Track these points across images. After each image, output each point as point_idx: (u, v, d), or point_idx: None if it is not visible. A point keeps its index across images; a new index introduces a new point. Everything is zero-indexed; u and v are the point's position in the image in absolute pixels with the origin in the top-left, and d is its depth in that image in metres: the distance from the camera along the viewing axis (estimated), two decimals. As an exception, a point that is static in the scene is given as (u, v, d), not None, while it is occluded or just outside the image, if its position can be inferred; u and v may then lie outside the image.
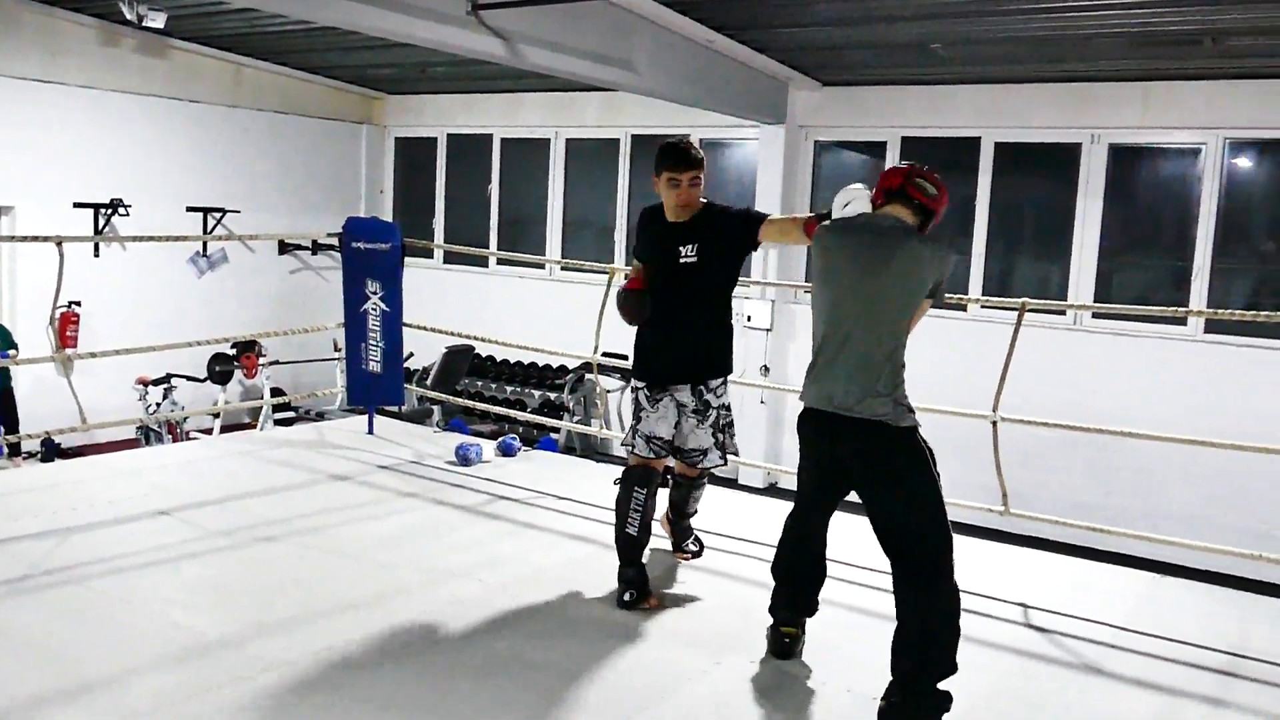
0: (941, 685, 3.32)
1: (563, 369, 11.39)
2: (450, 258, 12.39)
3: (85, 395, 5.97)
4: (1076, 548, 6.19)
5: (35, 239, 6.13)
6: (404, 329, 6.89)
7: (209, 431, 9.96)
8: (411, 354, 8.54)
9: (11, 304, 9.98)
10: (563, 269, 11.60)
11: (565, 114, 11.67)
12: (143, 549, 4.61)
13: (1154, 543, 5.15)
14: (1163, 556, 6.15)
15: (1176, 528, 6.07)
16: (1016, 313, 5.19)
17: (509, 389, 11.81)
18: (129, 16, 8.92)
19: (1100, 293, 9.03)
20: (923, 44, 8.23)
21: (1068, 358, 8.95)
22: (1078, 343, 9.02)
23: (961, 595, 3.39)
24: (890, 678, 3.35)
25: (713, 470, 4.58)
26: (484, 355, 11.80)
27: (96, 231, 10.36)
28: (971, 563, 3.79)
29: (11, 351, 9.07)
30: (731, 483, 8.58)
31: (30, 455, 9.42)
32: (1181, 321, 8.61)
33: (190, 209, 11.26)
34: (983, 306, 8.42)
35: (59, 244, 5.69)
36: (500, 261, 12.11)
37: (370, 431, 6.97)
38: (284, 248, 12.27)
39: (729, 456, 4.48)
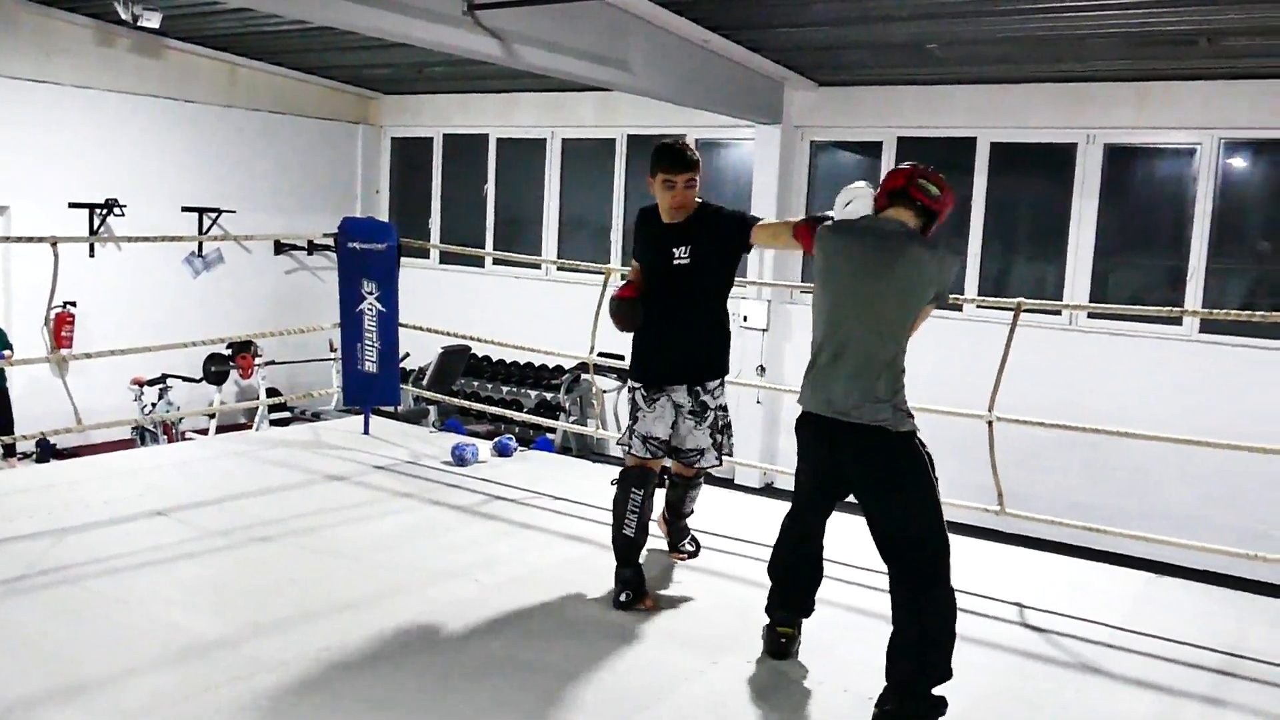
0: (936, 691, 3.31)
1: (559, 369, 11.38)
2: (446, 258, 12.39)
3: (80, 396, 5.95)
4: (1072, 547, 6.19)
5: (30, 239, 6.11)
6: (400, 329, 6.87)
7: (204, 432, 9.94)
8: (407, 354, 8.51)
9: (6, 304, 9.96)
10: (559, 269, 11.60)
11: (561, 114, 11.67)
12: (138, 549, 4.60)
13: (1150, 542, 5.15)
14: (1159, 556, 6.16)
15: (1172, 527, 6.06)
16: (1012, 313, 5.20)
17: (505, 389, 11.80)
18: (124, 16, 8.92)
19: (1096, 293, 9.05)
20: (918, 44, 8.24)
21: (1063, 358, 8.96)
22: (1073, 343, 9.03)
23: (958, 595, 3.39)
24: (885, 683, 3.35)
25: (709, 470, 4.59)
26: (480, 355, 11.79)
27: (92, 231, 10.34)
28: (967, 563, 3.79)
29: (6, 352, 9.06)
30: (728, 483, 8.58)
31: (25, 456, 9.40)
32: (1177, 321, 8.62)
33: (186, 209, 11.25)
34: (978, 306, 8.44)
35: (54, 244, 5.68)
36: (496, 262, 12.10)
37: (366, 432, 6.97)
38: (280, 248, 12.26)
39: (724, 457, 4.49)
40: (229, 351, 10.64)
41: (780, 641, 3.79)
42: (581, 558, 4.78)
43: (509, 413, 8.35)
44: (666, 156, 4.16)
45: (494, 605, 4.17)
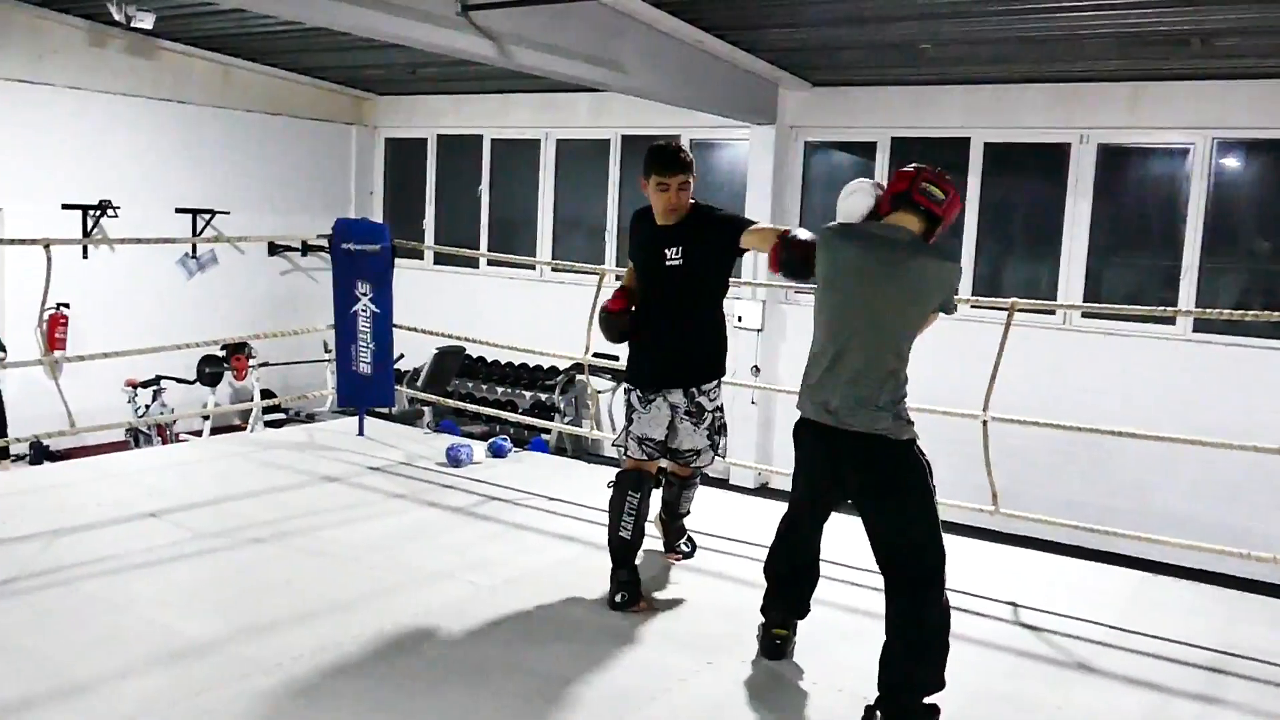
0: (928, 700, 3.29)
1: (553, 370, 11.38)
2: (440, 259, 12.37)
3: (74, 398, 5.94)
4: (1066, 546, 6.20)
5: (23, 242, 6.10)
6: (394, 330, 6.87)
7: (198, 434, 9.92)
8: (402, 355, 8.51)
9: (-1, 306, 9.94)
10: (553, 270, 11.59)
11: (555, 114, 11.66)
12: (132, 551, 4.59)
13: (1143, 541, 5.16)
14: (1152, 555, 6.17)
15: (1166, 526, 6.07)
16: (1006, 312, 5.21)
17: (500, 390, 11.78)
18: (117, 17, 8.89)
19: (1089, 292, 9.06)
20: (912, 44, 8.25)
21: (1057, 357, 8.97)
22: (1067, 342, 9.05)
23: (952, 595, 3.39)
24: (876, 691, 3.34)
25: (705, 469, 4.59)
26: (474, 356, 11.77)
27: (85, 233, 10.32)
28: (962, 562, 3.79)
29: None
30: (723, 483, 8.58)
31: (19, 458, 9.38)
32: (1170, 321, 8.64)
33: (179, 210, 11.21)
34: (973, 306, 8.43)
35: (46, 247, 5.66)
36: (491, 262, 12.09)
37: (360, 433, 6.96)
38: (274, 249, 12.24)
39: (718, 456, 4.49)
40: (223, 353, 10.62)
41: (776, 642, 3.79)
42: (576, 558, 4.79)
43: (504, 414, 8.34)
44: (659, 159, 4.15)
45: (489, 606, 4.17)
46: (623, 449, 4.33)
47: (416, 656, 3.74)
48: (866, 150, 10.02)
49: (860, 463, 3.41)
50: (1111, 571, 5.09)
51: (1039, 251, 9.55)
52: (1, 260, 9.87)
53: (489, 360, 11.95)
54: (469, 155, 12.44)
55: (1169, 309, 8.32)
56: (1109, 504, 8.33)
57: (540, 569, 4.65)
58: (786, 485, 3.82)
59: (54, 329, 9.86)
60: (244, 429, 9.96)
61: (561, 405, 11.02)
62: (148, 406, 10.04)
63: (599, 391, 10.47)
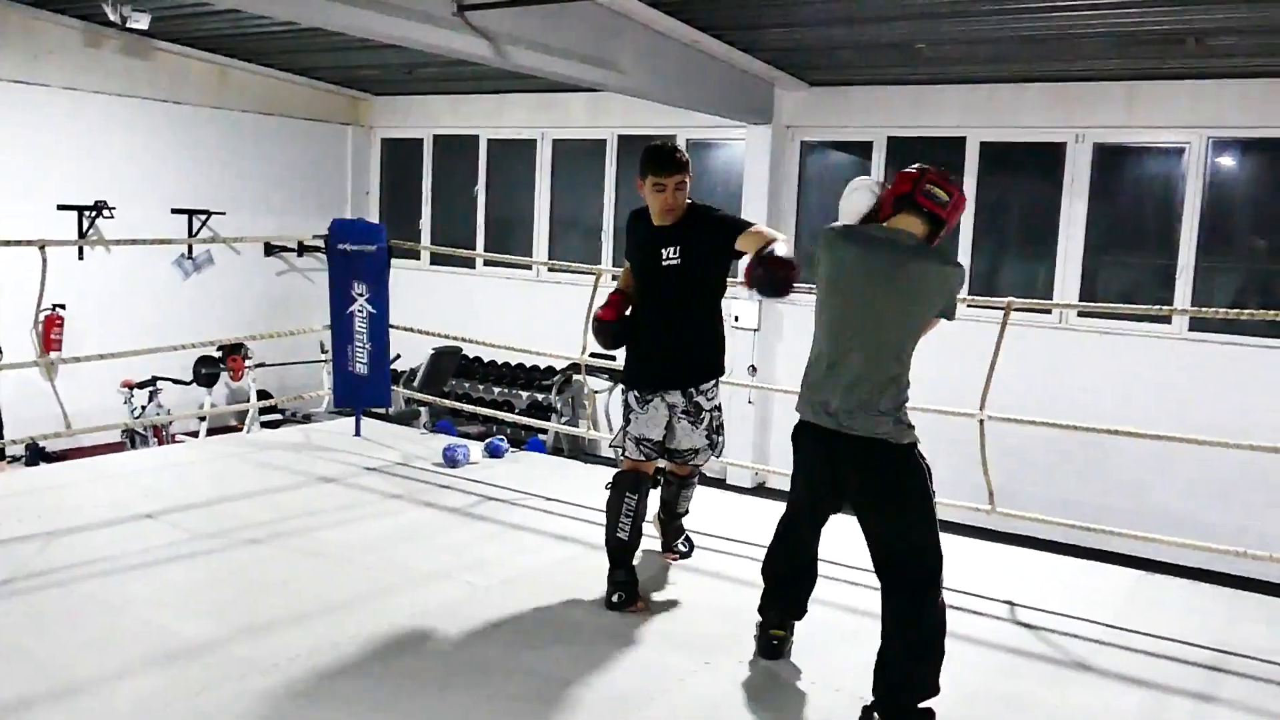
0: (924, 704, 3.29)
1: (550, 370, 11.38)
2: (437, 259, 12.36)
3: (70, 399, 5.93)
4: (1063, 545, 6.21)
5: (18, 243, 6.09)
6: (390, 330, 6.87)
7: (195, 434, 9.91)
8: (398, 355, 8.50)
9: (-5, 307, 9.91)
10: (550, 270, 11.59)
11: (551, 114, 11.66)
12: (129, 552, 4.58)
13: (1140, 540, 5.17)
14: (1149, 554, 6.17)
15: (1162, 525, 6.09)
16: (1002, 312, 5.22)
17: (496, 390, 11.78)
18: (112, 18, 8.87)
19: (1085, 291, 9.07)
20: (908, 44, 8.26)
21: (1053, 356, 8.98)
22: (1063, 341, 9.06)
23: (949, 594, 3.39)
24: (871, 696, 3.33)
25: (702, 468, 4.59)
26: (471, 356, 11.77)
27: (81, 234, 10.29)
28: (958, 561, 3.80)
29: (-5, 355, 9.00)
30: (720, 483, 8.59)
31: (15, 460, 9.36)
32: (1166, 320, 8.65)
33: (175, 211, 11.19)
34: (969, 306, 8.37)
35: (42, 248, 5.65)
36: (487, 263, 12.08)
37: (357, 433, 6.96)
38: (270, 250, 12.22)
39: (715, 456, 4.49)
40: (219, 354, 10.60)
41: (773, 643, 3.79)
42: (573, 559, 4.78)
43: (500, 414, 8.33)
44: (655, 160, 4.15)
45: (486, 606, 4.16)
46: (620, 450, 4.33)
47: (413, 657, 3.73)
48: (863, 150, 10.03)
49: (860, 466, 3.40)
50: (1108, 570, 5.10)
51: (1035, 251, 9.56)
52: (-3, 261, 9.85)
53: (486, 360, 11.95)
54: (465, 155, 12.43)
55: (1165, 308, 8.33)
56: (1105, 503, 8.34)
57: (537, 569, 4.65)
58: (784, 485, 3.82)
59: (50, 330, 9.85)
60: (240, 430, 9.95)
61: (558, 405, 11.01)
62: (144, 407, 10.02)
63: (596, 391, 10.48)
